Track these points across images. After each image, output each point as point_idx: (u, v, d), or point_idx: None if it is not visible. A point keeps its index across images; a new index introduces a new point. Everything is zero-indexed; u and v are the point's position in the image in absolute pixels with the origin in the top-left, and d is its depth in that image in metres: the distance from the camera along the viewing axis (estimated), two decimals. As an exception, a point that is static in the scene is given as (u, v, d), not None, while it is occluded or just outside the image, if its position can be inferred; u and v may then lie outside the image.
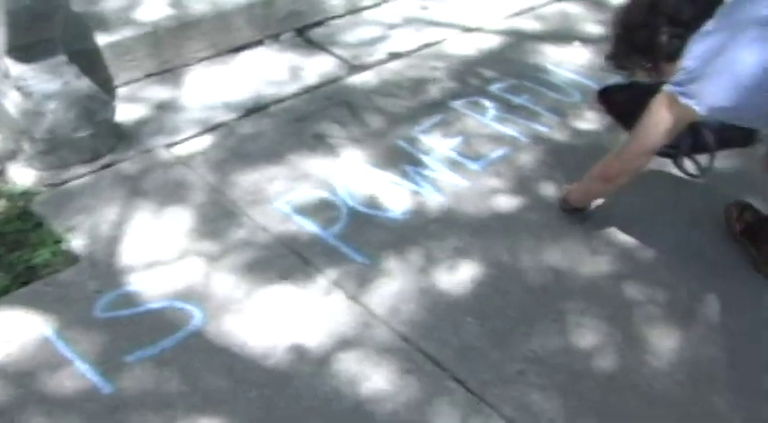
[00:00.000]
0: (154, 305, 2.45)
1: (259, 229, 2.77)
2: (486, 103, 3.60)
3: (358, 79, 3.76)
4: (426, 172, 3.11)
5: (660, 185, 3.05)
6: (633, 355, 2.38)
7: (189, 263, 2.62)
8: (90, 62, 3.23)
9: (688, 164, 2.77)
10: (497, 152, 3.25)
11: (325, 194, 2.96)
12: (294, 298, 2.51)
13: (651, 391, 2.28)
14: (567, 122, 3.48)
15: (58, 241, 2.66)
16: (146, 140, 3.22)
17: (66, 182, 2.96)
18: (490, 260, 2.69)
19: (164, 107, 3.46)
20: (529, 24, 4.42)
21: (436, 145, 3.27)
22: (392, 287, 2.56)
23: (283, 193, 2.95)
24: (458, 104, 3.57)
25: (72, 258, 2.60)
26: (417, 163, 3.16)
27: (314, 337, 2.37)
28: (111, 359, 2.26)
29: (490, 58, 4.01)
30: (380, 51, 4.02)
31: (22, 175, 2.96)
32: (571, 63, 3.98)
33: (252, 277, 2.58)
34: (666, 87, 2.20)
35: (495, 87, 3.73)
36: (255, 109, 3.49)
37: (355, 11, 4.40)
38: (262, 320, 2.42)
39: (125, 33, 3.56)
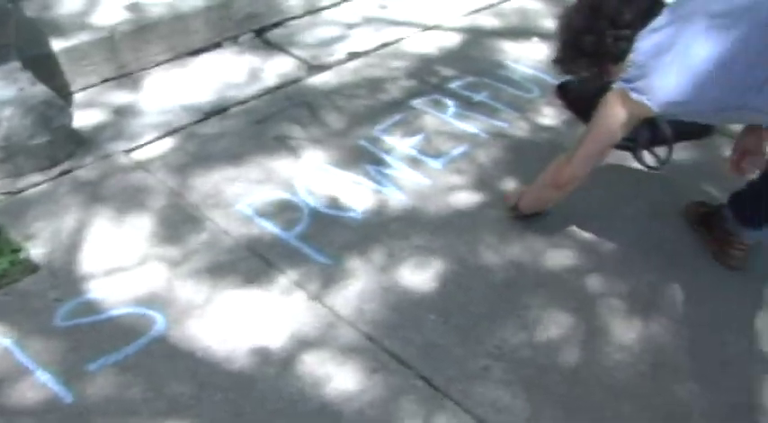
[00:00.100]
0: (115, 312, 2.43)
1: (221, 233, 2.76)
2: (447, 100, 3.60)
3: (318, 80, 3.75)
4: (388, 171, 3.11)
5: (620, 178, 3.07)
6: (597, 348, 2.40)
7: (150, 268, 2.60)
8: (45, 68, 3.20)
9: (647, 156, 2.80)
10: (458, 149, 3.26)
11: (286, 196, 2.95)
12: (257, 300, 2.50)
13: (615, 383, 2.30)
14: (526, 118, 3.50)
15: (16, 250, 2.62)
16: (104, 146, 3.18)
17: (24, 190, 2.92)
18: (453, 257, 2.70)
19: (122, 112, 3.43)
20: (488, 21, 4.44)
21: (397, 144, 3.27)
22: (355, 287, 2.56)
23: (244, 196, 2.94)
24: (418, 103, 3.57)
25: (31, 267, 2.57)
26: (378, 162, 3.16)
27: (278, 340, 2.36)
28: (72, 368, 2.24)
29: (450, 56, 4.02)
30: (340, 51, 4.02)
31: (-21, 184, 2.93)
32: (530, 59, 4.00)
33: (214, 281, 2.56)
34: (617, 84, 2.21)
35: (454, 85, 3.74)
36: (215, 111, 3.47)
37: (314, 11, 4.38)
38: (225, 324, 2.41)
39: (81, 38, 3.52)
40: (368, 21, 4.35)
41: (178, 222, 2.80)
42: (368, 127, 3.38)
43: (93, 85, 3.58)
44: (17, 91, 2.88)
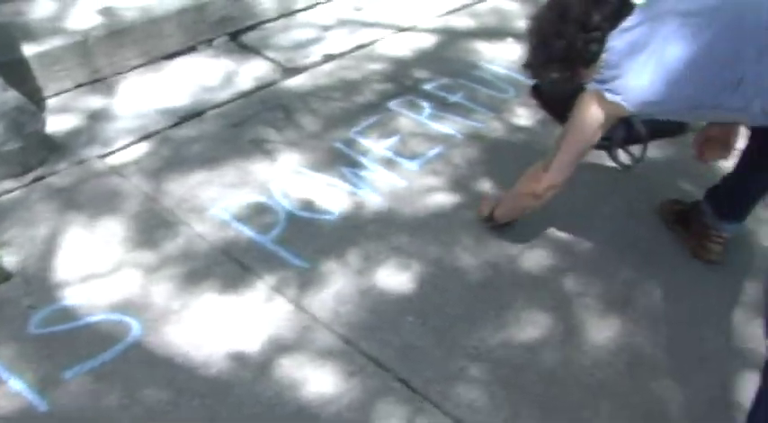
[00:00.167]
0: (91, 319, 2.42)
1: (196, 237, 2.75)
2: (422, 102, 3.61)
3: (293, 82, 3.75)
4: (363, 173, 3.11)
5: (595, 177, 3.09)
6: (574, 347, 2.41)
7: (126, 274, 2.59)
8: (17, 73, 3.18)
9: (622, 155, 2.81)
10: (434, 150, 3.26)
11: (262, 199, 2.94)
12: (234, 305, 2.49)
13: (592, 382, 2.30)
14: (501, 118, 3.51)
15: (-11, 258, 2.61)
16: (78, 151, 3.16)
17: (-3, 197, 2.91)
18: (429, 258, 2.70)
19: (96, 117, 3.41)
20: (463, 22, 4.45)
21: (373, 146, 3.27)
22: (332, 290, 2.56)
23: (220, 200, 2.93)
24: (393, 104, 3.58)
25: (4, 275, 2.54)
26: (354, 164, 3.16)
27: (254, 344, 2.36)
28: (47, 376, 2.22)
29: (425, 57, 4.03)
30: (315, 54, 4.01)
31: (-49, 192, 2.91)
32: (504, 59, 4.01)
33: (190, 286, 2.55)
34: (591, 85, 2.21)
35: (429, 86, 3.74)
36: (190, 116, 3.46)
37: (288, 14, 4.38)
38: (202, 329, 2.40)
39: (54, 43, 3.50)
40: (342, 23, 4.34)
41: (153, 227, 2.78)
42: (343, 129, 3.38)
43: (66, 91, 3.56)
44: (-12, 97, 2.86)
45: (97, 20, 3.71)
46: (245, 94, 3.64)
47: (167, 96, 3.59)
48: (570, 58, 2.27)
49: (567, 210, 2.92)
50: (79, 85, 3.60)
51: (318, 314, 2.47)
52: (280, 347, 2.35)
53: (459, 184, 3.07)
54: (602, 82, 2.15)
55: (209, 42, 4.05)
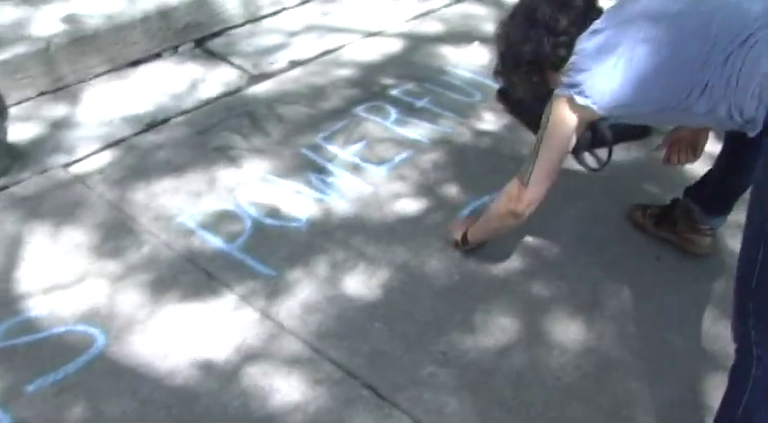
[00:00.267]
0: (54, 330, 2.39)
1: (162, 246, 2.73)
2: (388, 107, 3.60)
3: (259, 89, 3.73)
4: (330, 179, 3.10)
5: (561, 181, 3.06)
6: (542, 350, 2.41)
7: (90, 285, 2.56)
8: (-22, 82, 3.14)
9: (588, 158, 2.83)
10: (401, 156, 3.26)
11: (228, 207, 2.92)
12: (200, 314, 2.47)
13: (560, 385, 2.30)
14: (468, 123, 3.51)
15: (-50, 270, 2.57)
16: (41, 160, 3.13)
17: (-42, 208, 2.87)
18: (397, 264, 2.70)
19: (60, 125, 3.38)
20: (430, 27, 4.45)
21: (339, 152, 3.26)
22: (299, 297, 2.55)
23: (186, 208, 2.91)
24: (360, 110, 3.57)
25: (-34, 287, 2.52)
26: (321, 170, 3.14)
27: (221, 353, 2.34)
28: (9, 390, 2.19)
29: (391, 62, 4.02)
30: (281, 60, 4.00)
31: None
32: (471, 63, 4.01)
33: (156, 296, 2.53)
34: (561, 90, 2.18)
35: (396, 91, 3.74)
36: (156, 123, 3.44)
37: (254, 20, 4.36)
38: (167, 339, 2.38)
39: (15, 50, 3.46)
40: (309, 28, 4.33)
41: (118, 237, 2.76)
42: (310, 135, 3.36)
43: (28, 99, 3.52)
44: (-51, 106, 2.82)
45: (60, 27, 3.67)
46: (210, 101, 3.62)
47: (132, 104, 3.56)
48: (538, 62, 2.26)
49: (533, 213, 2.91)
50: (42, 93, 3.57)
51: (285, 322, 2.45)
52: (246, 356, 2.33)
53: (426, 189, 3.07)
54: (572, 86, 2.13)
55: (174, 49, 4.02)
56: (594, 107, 2.10)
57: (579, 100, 2.11)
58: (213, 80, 3.79)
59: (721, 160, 2.58)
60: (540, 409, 2.23)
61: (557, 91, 2.20)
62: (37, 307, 2.46)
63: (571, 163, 2.85)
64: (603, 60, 2.07)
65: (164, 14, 3.94)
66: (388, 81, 3.83)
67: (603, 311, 2.56)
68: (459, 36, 4.33)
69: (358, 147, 3.30)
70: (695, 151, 2.66)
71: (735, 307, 1.88)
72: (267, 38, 4.22)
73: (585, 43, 2.12)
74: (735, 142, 2.43)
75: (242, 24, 4.31)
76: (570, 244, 2.81)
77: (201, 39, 4.13)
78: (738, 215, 2.63)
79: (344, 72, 3.90)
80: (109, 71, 3.80)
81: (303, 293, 2.56)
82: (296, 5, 4.56)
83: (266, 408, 2.18)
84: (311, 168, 3.15)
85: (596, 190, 3.05)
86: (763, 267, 1.79)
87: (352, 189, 3.05)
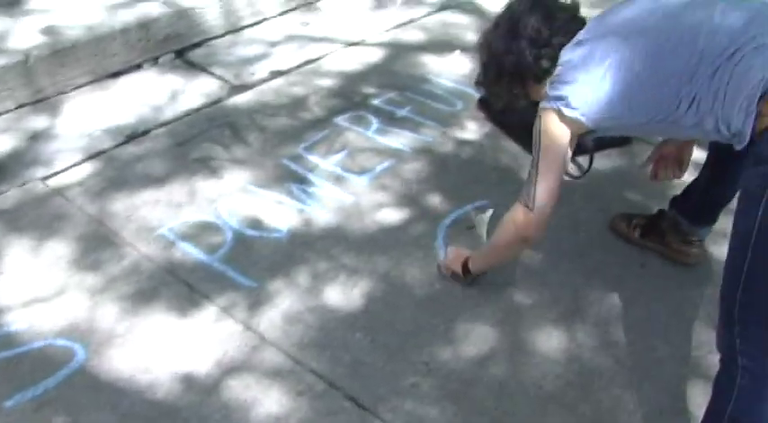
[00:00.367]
0: (34, 345, 2.37)
1: (143, 259, 2.71)
2: (370, 116, 3.60)
3: (240, 99, 3.72)
4: (312, 189, 3.09)
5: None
6: (523, 359, 2.41)
7: (70, 298, 2.54)
8: (-44, 95, 3.12)
9: (569, 166, 2.82)
10: (382, 165, 3.26)
11: (209, 218, 2.91)
12: (181, 327, 2.46)
13: (542, 393, 2.31)
14: (449, 132, 3.51)
15: (-72, 285, 2.55)
16: (20, 173, 3.11)
17: (-64, 222, 2.84)
18: (379, 274, 2.69)
19: (39, 138, 3.36)
20: (411, 36, 4.45)
21: (320, 162, 3.26)
22: (281, 308, 2.54)
23: (166, 220, 2.89)
24: (341, 119, 3.56)
25: (-56, 302, 2.50)
26: (302, 181, 3.14)
27: (202, 366, 2.33)
28: (-12, 406, 2.18)
29: (373, 72, 4.02)
30: (262, 70, 3.99)
31: None
32: (453, 72, 4.02)
33: (136, 309, 2.51)
34: (548, 103, 2.16)
35: (377, 100, 3.74)
36: (136, 135, 3.42)
37: (235, 30, 4.35)
38: (148, 352, 2.36)
39: (-6, 63, 3.45)
40: (290, 38, 4.33)
41: (98, 250, 2.74)
42: (291, 146, 3.36)
43: (7, 111, 3.50)
44: (-74, 120, 2.80)
45: (39, 39, 3.65)
46: (191, 112, 3.61)
47: (112, 115, 3.54)
48: (521, 73, 2.25)
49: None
50: (21, 106, 3.55)
51: (267, 333, 2.44)
52: (227, 368, 2.32)
53: (407, 198, 3.07)
54: (558, 98, 2.11)
55: (154, 60, 4.01)
56: (583, 119, 2.09)
57: (567, 112, 2.10)
58: (194, 91, 3.78)
59: (706, 169, 2.60)
60: (522, 419, 2.23)
61: (543, 104, 2.18)
62: (16, 321, 2.44)
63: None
64: (590, 72, 2.06)
65: (144, 25, 3.93)
66: (370, 90, 3.83)
67: (586, 319, 2.56)
68: (441, 45, 4.33)
69: (339, 157, 3.30)
70: (681, 166, 2.67)
71: (720, 316, 1.89)
72: (248, 48, 4.21)
73: (571, 55, 2.12)
74: (720, 152, 2.43)
75: (222, 35, 4.29)
76: (551, 251, 2.81)
77: (182, 50, 4.12)
78: (721, 222, 2.66)
79: (325, 82, 3.90)
80: (89, 83, 3.77)
81: (284, 304, 2.56)
82: (276, 15, 4.55)
83: (248, 420, 2.17)
84: (292, 179, 3.15)
85: (577, 197, 3.05)
86: (749, 276, 1.79)
87: (334, 199, 3.04)
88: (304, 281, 2.65)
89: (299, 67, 4.04)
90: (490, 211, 2.87)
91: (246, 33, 4.37)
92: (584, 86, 2.07)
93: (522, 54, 2.21)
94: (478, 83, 2.44)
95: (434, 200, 3.06)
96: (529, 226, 2.28)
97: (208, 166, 3.20)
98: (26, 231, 2.81)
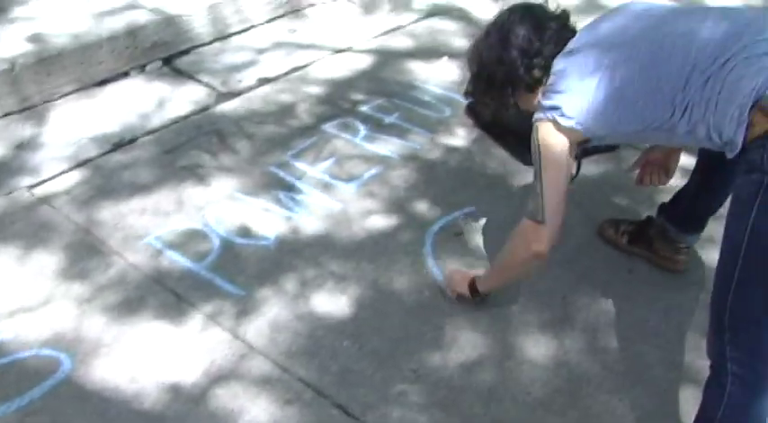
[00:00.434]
0: (19, 355, 2.35)
1: (129, 267, 2.70)
2: (358, 123, 3.60)
3: (227, 107, 3.72)
4: (299, 197, 3.08)
5: (529, 195, 3.10)
6: (512, 366, 2.41)
7: (56, 308, 2.53)
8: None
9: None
10: (370, 172, 3.25)
11: (196, 226, 2.90)
12: (168, 336, 2.45)
13: (531, 400, 2.30)
14: (437, 138, 3.51)
15: None
16: (6, 182, 3.09)
17: None
18: (367, 281, 2.69)
19: (25, 146, 3.34)
20: (398, 42, 4.46)
21: (308, 169, 3.25)
22: (268, 317, 2.53)
23: (153, 228, 2.88)
24: (329, 127, 3.56)
25: (-71, 312, 2.48)
26: (290, 188, 3.13)
27: (189, 375, 2.31)
28: (-27, 417, 2.16)
29: (360, 79, 4.02)
30: (250, 77, 3.98)
31: None
32: (441, 79, 4.02)
33: (123, 318, 2.50)
34: (541, 114, 2.14)
35: (365, 107, 3.74)
36: (123, 143, 3.40)
37: (222, 37, 4.34)
38: (134, 362, 2.35)
39: (-21, 72, 3.43)
40: (277, 45, 4.32)
41: (85, 259, 2.73)
42: (279, 153, 3.35)
43: (-7, 120, 3.49)
44: None
45: (25, 47, 3.64)
46: (179, 120, 3.60)
47: (99, 123, 3.53)
48: (513, 83, 2.24)
49: (501, 228, 2.92)
50: (7, 114, 3.52)
51: (254, 342, 2.43)
52: (215, 377, 2.31)
53: (395, 205, 3.07)
54: (552, 108, 2.10)
55: (141, 68, 4.00)
56: (579, 128, 2.08)
57: (562, 121, 2.09)
58: (181, 98, 3.77)
59: (696, 175, 2.60)
60: (511, 426, 2.23)
61: (537, 115, 2.17)
62: (1, 331, 2.43)
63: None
64: (583, 81, 2.06)
65: (131, 33, 3.91)
66: (357, 97, 3.83)
67: (574, 325, 2.56)
68: (429, 51, 4.34)
69: (327, 164, 3.29)
70: (667, 172, 2.67)
71: (710, 322, 1.89)
72: (235, 55, 4.20)
73: (563, 64, 2.12)
74: (710, 159, 2.43)
75: (210, 42, 4.29)
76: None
77: (169, 57, 4.10)
78: (708, 228, 2.66)
79: (313, 89, 3.89)
80: (75, 91, 3.76)
81: (272, 312, 2.55)
82: (264, 23, 4.55)
83: (235, 429, 2.17)
84: (280, 186, 3.14)
85: (565, 203, 3.05)
86: (740, 283, 1.79)
87: (322, 206, 3.04)
88: (292, 288, 2.64)
89: (286, 74, 4.04)
90: (483, 221, 2.87)
91: (234, 41, 4.36)
92: (579, 95, 2.06)
93: (513, 64, 2.21)
94: (468, 93, 2.43)
95: (422, 206, 3.06)
96: (542, 240, 2.21)
97: (195, 174, 3.19)
98: (12, 240, 2.79)
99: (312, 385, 2.30)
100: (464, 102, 3.60)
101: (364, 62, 4.20)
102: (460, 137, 3.53)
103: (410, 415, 2.23)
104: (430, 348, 2.45)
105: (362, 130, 3.55)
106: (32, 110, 3.60)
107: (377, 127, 3.58)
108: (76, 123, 3.53)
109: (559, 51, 2.16)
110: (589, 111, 2.06)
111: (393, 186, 3.18)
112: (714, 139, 1.91)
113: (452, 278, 2.64)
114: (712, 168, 2.47)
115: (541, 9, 2.28)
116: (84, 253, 2.76)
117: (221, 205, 3.02)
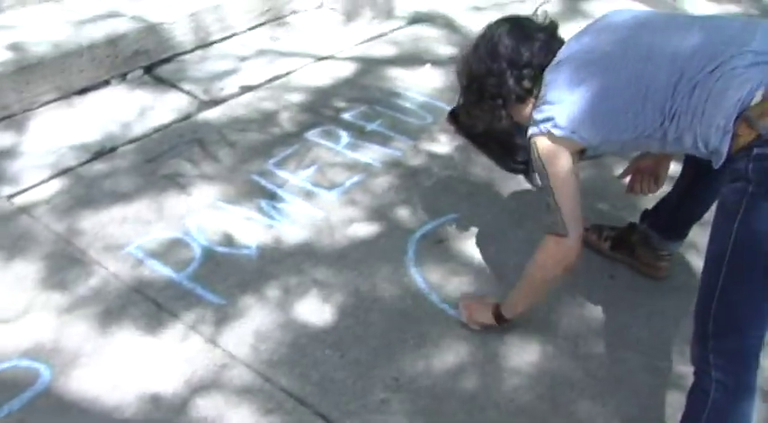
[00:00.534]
0: (-3, 367, 2.34)
1: (110, 277, 2.68)
2: (340, 131, 3.59)
3: (209, 115, 3.70)
4: (281, 205, 3.07)
5: (514, 201, 3.11)
6: (494, 373, 2.41)
7: (35, 318, 2.50)
8: None
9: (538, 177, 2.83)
10: (352, 180, 3.25)
11: (178, 235, 2.89)
12: (148, 346, 2.43)
13: (513, 407, 2.30)
14: (420, 145, 3.51)
15: None
16: (-16, 192, 3.08)
17: None
18: (349, 290, 2.68)
19: (4, 155, 3.31)
20: (381, 50, 4.46)
21: (290, 177, 3.24)
22: (250, 326, 2.52)
23: (134, 237, 2.86)
24: (311, 134, 3.55)
25: None
26: (272, 196, 3.12)
27: (170, 385, 2.30)
28: (-50, 430, 2.14)
29: (343, 86, 4.02)
30: (231, 85, 3.97)
31: None
32: (423, 86, 4.02)
33: (103, 328, 2.48)
34: (535, 128, 2.13)
35: (347, 115, 3.73)
36: (104, 151, 3.39)
37: (204, 45, 4.33)
38: (115, 372, 2.33)
39: (-42, 81, 3.41)
40: (260, 53, 4.32)
41: (65, 268, 2.71)
42: (260, 161, 3.34)
43: (-27, 129, 3.47)
44: None
45: (4, 55, 3.62)
46: (160, 128, 3.58)
47: (80, 132, 3.51)
48: (503, 95, 2.23)
49: (484, 234, 2.93)
50: (-14, 123, 3.51)
51: (236, 351, 2.42)
52: (196, 387, 2.30)
53: (378, 213, 3.06)
54: (546, 120, 2.10)
55: (122, 76, 3.98)
56: (574, 136, 2.08)
57: (557, 132, 2.08)
58: (163, 107, 3.75)
59: (681, 181, 2.60)
60: (493, 433, 2.23)
61: (532, 130, 2.15)
62: (-21, 343, 2.41)
63: (518, 184, 2.86)
64: (574, 91, 2.06)
65: (111, 41, 3.90)
66: (340, 105, 3.82)
67: (556, 331, 2.56)
68: (411, 59, 4.34)
69: (309, 172, 3.28)
70: (657, 180, 2.67)
71: (694, 329, 1.89)
72: (217, 63, 4.19)
73: (554, 75, 2.11)
74: (695, 167, 2.44)
75: (191, 50, 4.27)
76: (520, 265, 2.75)
77: (150, 65, 4.09)
78: (691, 234, 2.67)
79: (295, 97, 3.89)
80: (56, 100, 3.74)
81: (254, 321, 2.53)
82: (246, 30, 4.54)
83: (216, 440, 2.15)
84: (262, 194, 3.13)
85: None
86: (724, 290, 1.80)
87: (304, 214, 3.03)
88: (274, 297, 2.63)
89: (268, 81, 4.03)
90: (465, 227, 2.87)
91: (216, 48, 4.35)
92: (570, 105, 2.06)
93: (502, 75, 2.20)
94: (459, 106, 2.42)
95: (405, 214, 3.06)
96: (570, 253, 2.23)
97: (177, 183, 3.17)
98: (-9, 251, 2.77)
99: (293, 394, 2.29)
100: (446, 109, 3.61)
101: (347, 70, 4.19)
102: (443, 144, 3.53)
103: (392, 423, 2.22)
104: (412, 356, 2.44)
105: (345, 137, 3.55)
106: (12, 119, 3.58)
107: (359, 134, 3.58)
108: (56, 132, 3.51)
109: (549, 62, 2.16)
110: (581, 120, 2.06)
111: (375, 194, 3.17)
112: (700, 148, 1.92)
113: (471, 309, 2.56)
114: (697, 176, 2.47)
115: (529, 21, 2.28)
116: (65, 262, 2.74)
117: (203, 214, 3.00)
